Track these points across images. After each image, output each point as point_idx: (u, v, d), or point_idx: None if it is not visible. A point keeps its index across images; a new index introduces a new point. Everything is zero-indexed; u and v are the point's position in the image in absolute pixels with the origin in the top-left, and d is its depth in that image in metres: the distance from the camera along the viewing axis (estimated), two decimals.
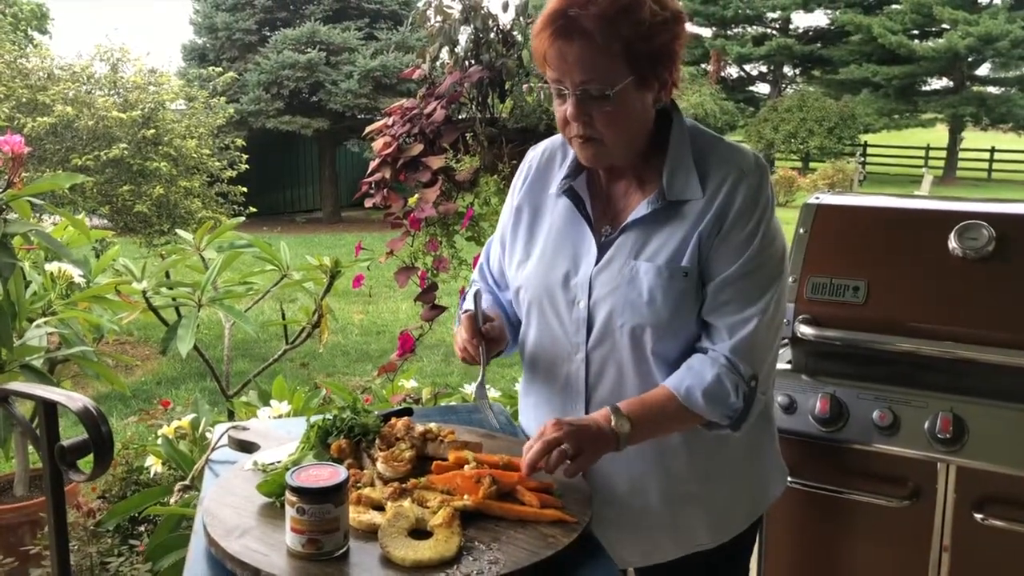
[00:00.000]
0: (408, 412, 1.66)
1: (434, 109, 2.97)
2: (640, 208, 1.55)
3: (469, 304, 1.68)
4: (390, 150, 3.00)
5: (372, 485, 1.37)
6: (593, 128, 1.49)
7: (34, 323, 2.56)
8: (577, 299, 1.58)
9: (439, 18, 3.04)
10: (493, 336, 1.62)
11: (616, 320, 1.53)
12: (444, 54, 3.10)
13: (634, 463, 1.58)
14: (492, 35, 3.03)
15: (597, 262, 1.57)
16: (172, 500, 2.05)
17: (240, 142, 10.26)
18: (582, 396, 1.61)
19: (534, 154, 1.76)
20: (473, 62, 3.04)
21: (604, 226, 1.61)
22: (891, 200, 2.51)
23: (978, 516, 2.04)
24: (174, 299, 2.97)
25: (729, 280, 1.51)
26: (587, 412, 1.60)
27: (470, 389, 2.74)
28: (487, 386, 1.65)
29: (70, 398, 1.52)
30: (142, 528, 2.59)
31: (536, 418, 1.70)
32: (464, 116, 3.10)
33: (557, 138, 1.73)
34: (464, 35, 3.05)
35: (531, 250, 1.68)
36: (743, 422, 1.53)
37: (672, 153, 1.55)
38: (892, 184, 25.45)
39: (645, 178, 1.58)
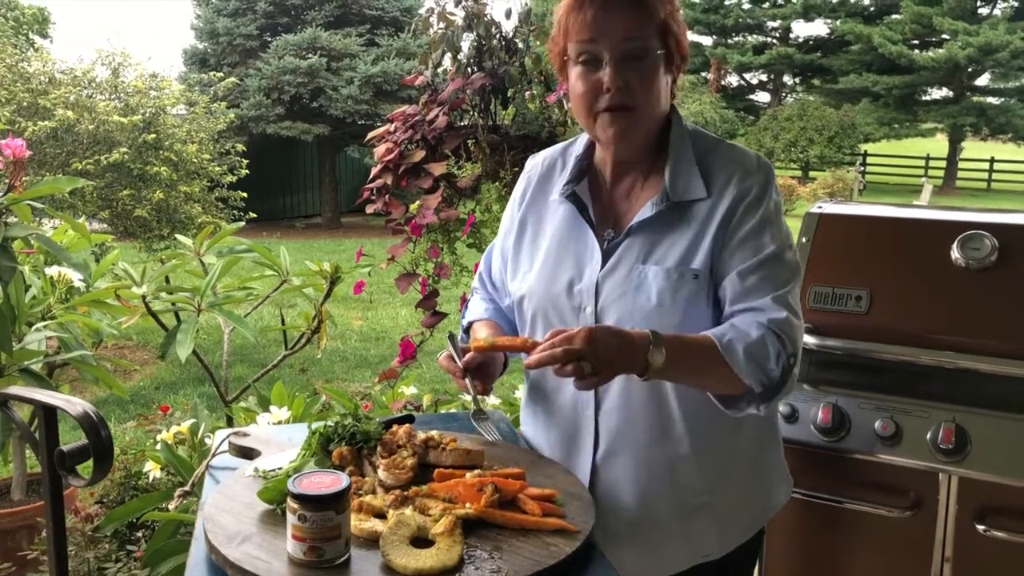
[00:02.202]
0: (409, 419, 1.65)
1: (436, 115, 2.97)
2: (645, 210, 1.54)
3: (472, 315, 1.71)
4: (392, 156, 3.00)
5: (374, 492, 1.36)
6: (628, 94, 1.49)
7: (33, 327, 2.55)
8: (583, 305, 1.57)
9: (442, 25, 3.05)
10: (479, 363, 1.60)
11: (624, 326, 1.52)
12: (446, 61, 3.10)
13: (643, 476, 1.57)
14: (495, 42, 3.03)
15: (602, 267, 1.56)
16: (172, 506, 2.04)
17: (240, 147, 10.26)
18: (591, 404, 1.59)
19: (533, 164, 1.76)
20: (475, 69, 3.04)
21: (607, 230, 1.60)
22: (894, 210, 2.51)
23: (980, 527, 2.03)
24: (173, 304, 2.96)
25: (753, 268, 1.48)
26: (596, 420, 1.59)
27: (470, 397, 2.72)
28: (483, 401, 1.63)
29: (70, 403, 1.51)
30: (140, 534, 2.58)
31: (545, 428, 1.69)
32: (466, 123, 3.10)
33: (556, 148, 1.74)
34: (467, 42, 3.05)
35: (535, 259, 1.67)
36: (773, 397, 1.47)
37: (673, 154, 1.55)
38: (892, 194, 25.48)
39: (649, 180, 1.58)
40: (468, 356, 1.59)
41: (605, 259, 1.56)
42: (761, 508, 1.72)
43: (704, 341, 1.43)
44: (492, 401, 2.74)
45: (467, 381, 1.57)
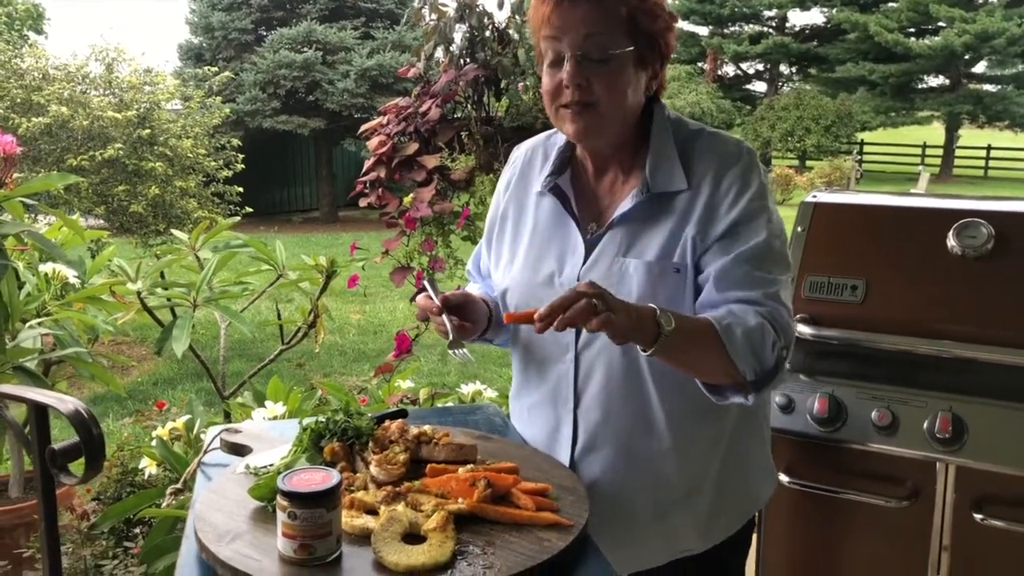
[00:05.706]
0: (403, 414, 1.64)
1: (429, 108, 2.96)
2: (626, 202, 1.52)
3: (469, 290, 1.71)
4: (385, 149, 2.99)
5: (365, 488, 1.35)
6: (588, 92, 1.46)
7: (28, 324, 2.54)
8: None
9: (434, 16, 3.03)
10: (458, 303, 1.59)
11: None
12: (439, 52, 3.09)
13: (622, 471, 1.56)
14: (487, 33, 3.02)
15: (585, 261, 1.55)
16: (164, 503, 2.04)
17: (236, 142, 10.24)
18: (571, 398, 1.58)
19: (517, 154, 1.75)
20: (468, 60, 3.03)
21: (590, 223, 1.58)
22: (889, 198, 2.50)
23: (977, 516, 2.03)
24: (169, 299, 2.95)
25: (742, 258, 1.45)
26: (575, 414, 1.58)
27: (467, 389, 2.72)
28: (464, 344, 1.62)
29: (61, 401, 1.50)
30: (137, 530, 2.57)
31: (528, 421, 1.68)
32: (459, 115, 3.09)
33: (540, 137, 1.72)
34: (459, 33, 3.04)
35: (516, 251, 1.66)
36: (764, 387, 1.43)
37: (654, 144, 1.53)
38: (889, 182, 25.46)
39: (631, 173, 1.56)
40: (447, 293, 1.59)
41: (588, 253, 1.55)
42: (743, 505, 1.68)
43: (704, 322, 1.40)
44: (489, 395, 2.73)
45: (444, 317, 1.55)
